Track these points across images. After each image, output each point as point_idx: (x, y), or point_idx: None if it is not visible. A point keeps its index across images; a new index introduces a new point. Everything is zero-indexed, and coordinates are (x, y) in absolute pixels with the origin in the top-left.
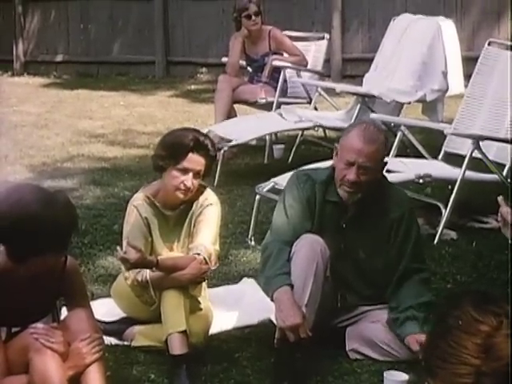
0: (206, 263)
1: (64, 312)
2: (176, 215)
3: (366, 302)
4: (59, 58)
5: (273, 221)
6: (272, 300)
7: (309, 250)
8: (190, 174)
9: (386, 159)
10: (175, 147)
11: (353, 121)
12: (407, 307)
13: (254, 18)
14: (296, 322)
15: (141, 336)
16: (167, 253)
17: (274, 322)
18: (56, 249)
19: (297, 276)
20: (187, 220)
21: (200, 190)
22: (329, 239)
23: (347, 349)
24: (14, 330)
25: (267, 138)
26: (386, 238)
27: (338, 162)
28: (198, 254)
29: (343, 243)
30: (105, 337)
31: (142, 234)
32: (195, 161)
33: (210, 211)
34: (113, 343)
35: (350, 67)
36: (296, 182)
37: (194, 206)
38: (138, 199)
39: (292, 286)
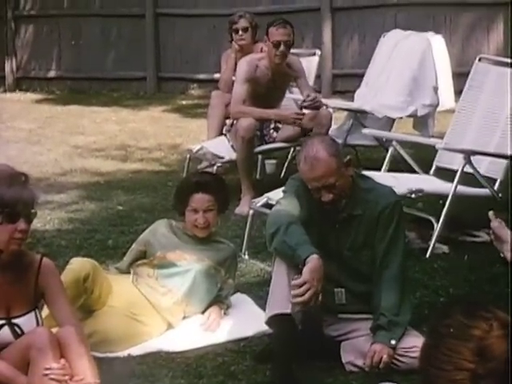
0: None
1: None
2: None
3: (363, 301)
4: (51, 74)
5: (271, 212)
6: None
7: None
8: (200, 213)
9: (348, 156)
10: (180, 193)
11: (345, 136)
12: (379, 314)
13: (241, 33)
14: (318, 290)
15: None
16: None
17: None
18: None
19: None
20: None
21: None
22: (324, 239)
23: (343, 361)
24: None
25: None
26: (375, 230)
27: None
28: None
29: (337, 242)
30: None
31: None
32: (200, 200)
33: None
34: (110, 356)
35: (341, 83)
36: (291, 184)
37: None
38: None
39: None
